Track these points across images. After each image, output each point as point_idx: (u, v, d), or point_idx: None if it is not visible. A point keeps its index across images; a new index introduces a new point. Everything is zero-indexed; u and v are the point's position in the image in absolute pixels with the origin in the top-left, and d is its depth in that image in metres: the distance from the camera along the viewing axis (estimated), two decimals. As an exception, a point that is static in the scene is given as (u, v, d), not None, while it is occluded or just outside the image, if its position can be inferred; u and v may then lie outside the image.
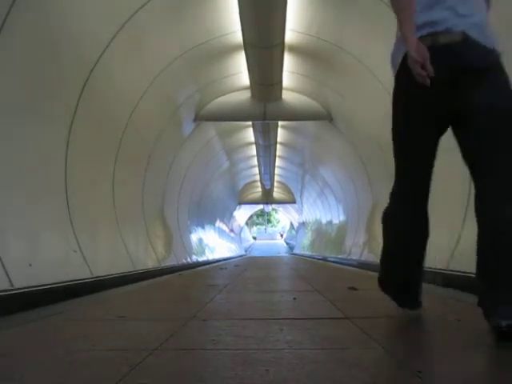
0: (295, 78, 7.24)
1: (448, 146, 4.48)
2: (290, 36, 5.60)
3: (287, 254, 21.99)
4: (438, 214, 4.92)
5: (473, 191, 3.14)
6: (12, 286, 2.87)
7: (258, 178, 17.08)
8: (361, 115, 6.83)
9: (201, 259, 11.38)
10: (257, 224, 49.30)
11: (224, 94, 7.66)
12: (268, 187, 18.73)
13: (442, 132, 1.73)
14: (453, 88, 1.53)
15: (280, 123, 9.51)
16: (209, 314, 2.03)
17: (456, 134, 1.68)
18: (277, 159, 13.35)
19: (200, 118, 7.85)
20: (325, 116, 7.93)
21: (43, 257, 3.52)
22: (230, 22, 5.30)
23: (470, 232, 3.90)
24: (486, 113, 1.49)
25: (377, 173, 7.25)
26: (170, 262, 7.87)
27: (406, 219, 1.85)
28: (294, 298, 2.54)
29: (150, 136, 6.49)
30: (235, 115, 7.78)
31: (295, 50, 6.11)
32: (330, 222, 14.04)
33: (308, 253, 16.45)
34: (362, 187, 8.50)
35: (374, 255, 7.19)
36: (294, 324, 1.79)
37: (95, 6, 3.82)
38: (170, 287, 3.68)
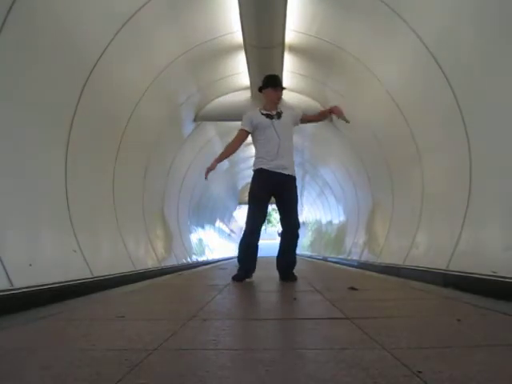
0: (295, 79, 7.23)
1: (448, 147, 4.49)
2: (290, 36, 5.60)
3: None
4: (438, 214, 4.95)
5: (473, 192, 3.61)
6: (12, 285, 2.86)
7: (258, 178, 17.00)
8: (361, 115, 6.82)
9: (201, 259, 11.37)
10: (257, 224, 49.27)
11: (224, 94, 7.65)
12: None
13: (270, 198, 3.71)
14: (279, 186, 3.61)
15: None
16: (209, 313, 2.03)
17: (277, 201, 3.73)
18: (277, 159, 13.33)
19: (200, 118, 7.84)
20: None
21: (43, 257, 3.52)
22: (230, 22, 5.30)
23: (470, 232, 3.92)
24: (288, 196, 3.68)
25: (377, 173, 7.25)
26: (170, 261, 7.87)
27: (254, 239, 3.66)
28: (294, 298, 2.54)
29: (150, 136, 6.49)
30: (235, 115, 7.76)
31: (295, 50, 6.11)
32: (329, 222, 14.04)
33: (308, 253, 16.44)
34: (362, 187, 8.50)
35: (374, 255, 7.19)
36: (294, 324, 1.79)
37: (95, 5, 3.82)
38: (170, 287, 3.68)
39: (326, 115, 3.92)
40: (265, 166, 3.59)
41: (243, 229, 3.78)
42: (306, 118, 3.96)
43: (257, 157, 3.68)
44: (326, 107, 4.08)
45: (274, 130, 3.59)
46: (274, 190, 3.61)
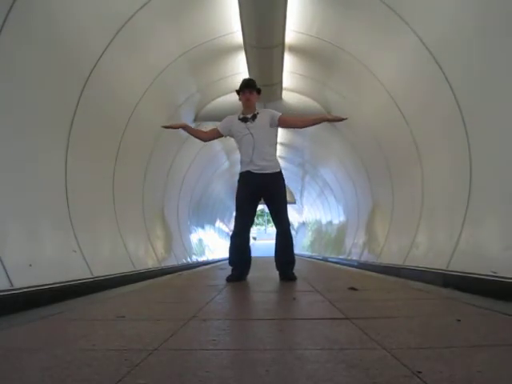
0: (295, 79, 7.23)
1: (448, 147, 4.50)
2: (290, 36, 5.60)
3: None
4: (438, 214, 4.95)
5: (473, 192, 3.64)
6: (12, 286, 2.86)
7: (258, 178, 17.00)
8: (361, 115, 6.83)
9: (201, 259, 11.37)
10: (257, 224, 49.39)
11: (224, 94, 7.64)
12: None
13: (258, 200, 3.78)
14: (265, 187, 3.67)
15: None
16: (209, 314, 2.03)
17: (266, 202, 3.82)
18: (277, 159, 13.33)
19: (200, 118, 7.84)
20: (325, 116, 7.93)
21: (43, 257, 3.52)
22: (230, 22, 5.30)
23: (470, 233, 3.92)
24: (276, 197, 3.75)
25: (377, 173, 7.25)
26: (170, 262, 7.87)
27: (241, 240, 3.76)
28: (294, 298, 2.54)
29: (150, 136, 6.49)
30: (235, 115, 7.76)
31: (295, 50, 6.11)
32: (329, 223, 14.04)
33: (308, 253, 16.44)
34: (362, 187, 8.50)
35: (374, 255, 7.19)
36: (294, 324, 1.79)
37: (94, 6, 3.82)
38: (170, 287, 3.68)
39: (317, 123, 3.83)
40: (245, 169, 3.69)
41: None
42: (288, 122, 3.89)
43: (240, 161, 3.80)
44: (324, 113, 4.01)
45: (248, 132, 3.65)
46: (257, 191, 3.67)
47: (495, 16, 3.17)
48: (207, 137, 3.95)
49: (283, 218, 3.75)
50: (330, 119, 3.84)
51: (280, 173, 3.76)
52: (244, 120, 3.71)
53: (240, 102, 3.84)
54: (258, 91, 3.81)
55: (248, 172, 3.66)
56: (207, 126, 7.99)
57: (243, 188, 3.72)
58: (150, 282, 4.43)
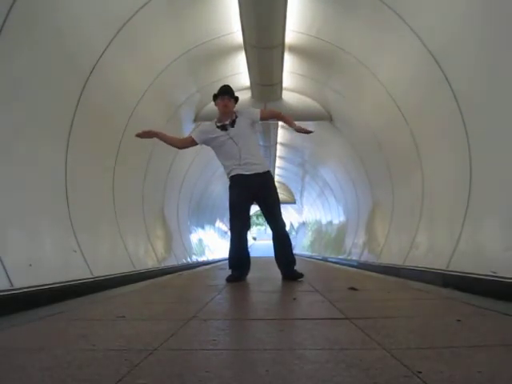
0: (295, 79, 7.23)
1: (448, 147, 4.51)
2: (290, 36, 5.60)
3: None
4: (438, 214, 4.95)
5: (473, 191, 3.67)
6: (12, 286, 2.86)
7: (257, 178, 17.02)
8: (361, 115, 6.83)
9: (201, 259, 11.37)
10: (257, 224, 49.38)
11: (224, 95, 7.65)
12: (268, 187, 18.66)
13: (252, 202, 3.79)
14: (257, 188, 3.60)
15: (280, 123, 9.52)
16: (209, 314, 2.03)
17: (258, 204, 3.79)
18: (277, 159, 13.34)
19: (200, 118, 7.84)
20: (325, 116, 7.93)
21: (43, 257, 3.52)
22: (231, 22, 5.30)
23: (470, 232, 3.92)
24: (268, 197, 3.69)
25: (377, 173, 7.25)
26: (170, 262, 7.87)
27: (240, 243, 3.71)
28: (294, 298, 2.54)
29: (150, 136, 6.48)
30: (235, 115, 7.76)
31: (295, 50, 6.11)
32: (329, 223, 14.04)
33: (308, 253, 16.44)
34: (362, 187, 8.50)
35: (374, 256, 7.19)
36: (294, 324, 1.79)
37: (95, 6, 3.82)
38: (170, 287, 3.68)
39: (288, 122, 3.80)
40: (235, 172, 3.62)
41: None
42: (269, 114, 3.91)
43: (225, 167, 3.73)
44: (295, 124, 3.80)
45: (231, 140, 3.59)
46: (250, 192, 3.61)
47: (496, 16, 3.17)
48: (182, 145, 3.92)
49: (278, 218, 3.69)
50: (296, 129, 3.74)
51: (269, 172, 3.75)
52: (223, 128, 3.62)
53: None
54: (236, 99, 3.72)
55: (239, 175, 3.60)
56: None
57: (236, 191, 3.66)
58: (150, 282, 4.43)
